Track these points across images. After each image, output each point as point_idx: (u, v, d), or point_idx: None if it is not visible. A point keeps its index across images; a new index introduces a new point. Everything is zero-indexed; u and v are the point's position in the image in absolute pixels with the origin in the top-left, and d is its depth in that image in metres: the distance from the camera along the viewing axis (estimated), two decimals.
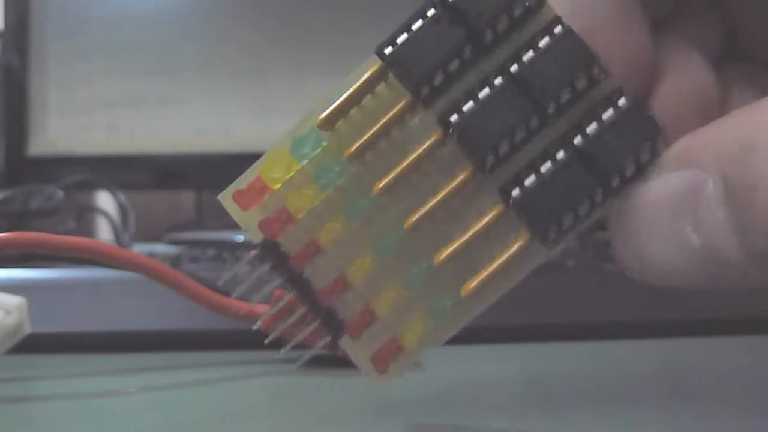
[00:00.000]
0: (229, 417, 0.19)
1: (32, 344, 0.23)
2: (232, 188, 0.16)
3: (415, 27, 0.15)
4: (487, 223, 0.15)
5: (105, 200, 0.62)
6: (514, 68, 0.15)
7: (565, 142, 0.15)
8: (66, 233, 0.26)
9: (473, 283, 0.15)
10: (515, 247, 0.15)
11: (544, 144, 0.15)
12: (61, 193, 0.51)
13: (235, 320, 0.24)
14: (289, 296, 0.17)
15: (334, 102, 0.16)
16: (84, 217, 0.55)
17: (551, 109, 0.15)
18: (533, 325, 0.28)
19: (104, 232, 0.65)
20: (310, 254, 0.16)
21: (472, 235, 0.15)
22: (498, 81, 0.15)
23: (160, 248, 0.51)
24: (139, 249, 0.47)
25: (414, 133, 0.16)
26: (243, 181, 0.16)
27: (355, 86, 0.16)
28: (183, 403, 0.21)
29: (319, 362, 0.25)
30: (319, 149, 0.16)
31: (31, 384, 0.23)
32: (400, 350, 0.16)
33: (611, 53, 0.15)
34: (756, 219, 0.12)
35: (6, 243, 0.22)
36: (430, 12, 0.15)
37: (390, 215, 0.16)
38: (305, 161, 0.16)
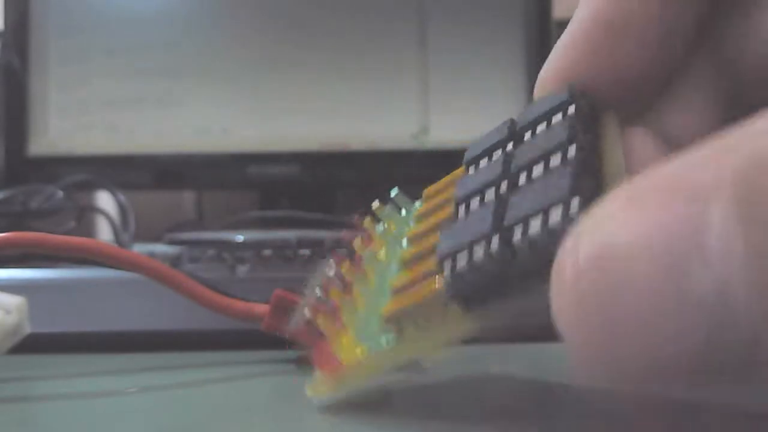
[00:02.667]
0: (230, 417, 0.19)
1: (32, 344, 0.23)
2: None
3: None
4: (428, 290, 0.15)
5: (105, 200, 0.62)
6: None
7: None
8: (66, 233, 0.26)
9: (392, 305, 0.16)
10: (429, 283, 0.15)
11: None
12: (61, 193, 0.51)
13: (235, 320, 0.24)
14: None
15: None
16: (84, 217, 0.55)
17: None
18: (534, 325, 0.28)
19: (104, 232, 0.65)
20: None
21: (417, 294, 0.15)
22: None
23: (160, 248, 0.51)
24: (139, 249, 0.47)
25: None
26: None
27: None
28: (183, 403, 0.21)
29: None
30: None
31: (31, 384, 0.23)
32: (339, 368, 0.17)
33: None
34: None
35: (6, 243, 0.22)
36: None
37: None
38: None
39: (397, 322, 0.16)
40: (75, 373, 0.24)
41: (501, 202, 0.14)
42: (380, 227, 0.19)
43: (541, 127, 0.15)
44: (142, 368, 0.25)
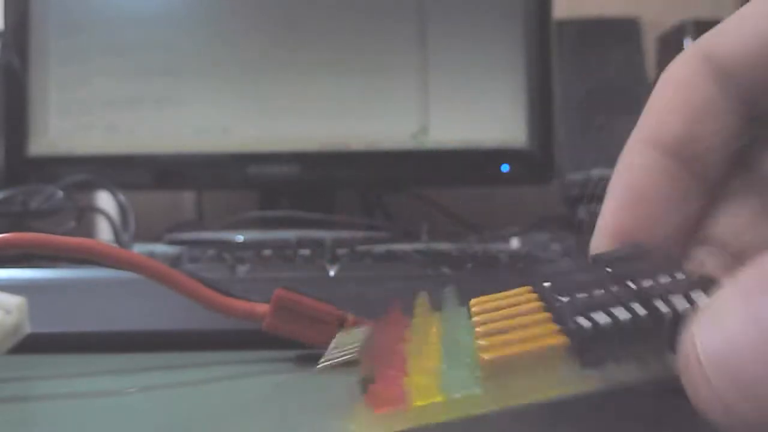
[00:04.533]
0: (229, 416, 0.19)
1: (32, 344, 0.23)
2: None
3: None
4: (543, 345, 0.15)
5: (105, 200, 0.62)
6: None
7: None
8: (66, 233, 0.26)
9: (495, 353, 0.15)
10: (552, 338, 0.15)
11: None
12: (61, 193, 0.51)
13: (236, 319, 0.24)
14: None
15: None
16: (84, 217, 0.55)
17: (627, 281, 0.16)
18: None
19: (104, 232, 0.65)
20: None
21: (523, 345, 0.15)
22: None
23: (160, 248, 0.51)
24: (139, 249, 0.47)
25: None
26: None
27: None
28: (183, 402, 0.21)
29: (319, 360, 0.25)
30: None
31: (31, 384, 0.23)
32: (399, 397, 0.15)
33: None
34: None
35: (6, 243, 0.22)
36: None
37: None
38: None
39: (497, 369, 0.15)
40: (75, 373, 0.24)
41: (626, 284, 0.15)
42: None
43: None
44: (142, 368, 0.25)
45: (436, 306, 0.20)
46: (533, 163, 0.63)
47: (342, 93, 0.64)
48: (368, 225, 0.64)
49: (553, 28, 0.64)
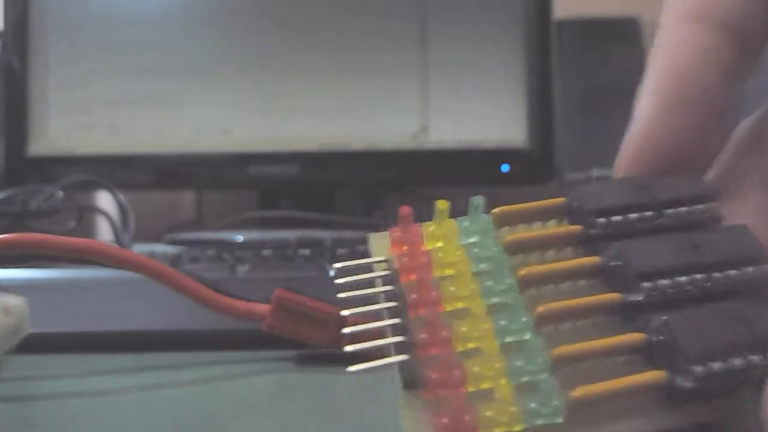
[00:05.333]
0: (229, 416, 0.19)
1: (32, 344, 0.23)
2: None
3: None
4: (622, 342, 0.14)
5: (105, 200, 0.62)
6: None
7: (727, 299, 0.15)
8: (66, 233, 0.26)
9: (588, 388, 0.14)
10: (646, 376, 0.14)
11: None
12: (61, 193, 0.51)
13: (236, 319, 0.24)
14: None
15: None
16: (84, 217, 0.55)
17: (715, 273, 0.15)
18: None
19: (104, 232, 0.65)
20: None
21: (602, 345, 0.14)
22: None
23: (160, 248, 0.51)
24: (139, 249, 0.47)
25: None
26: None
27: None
28: (183, 402, 0.21)
29: (319, 359, 0.25)
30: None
31: (31, 384, 0.23)
32: (467, 426, 0.14)
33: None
34: None
35: (7, 243, 0.22)
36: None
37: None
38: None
39: (584, 404, 0.14)
40: (75, 373, 0.24)
41: (739, 311, 0.14)
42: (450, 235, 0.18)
43: (682, 209, 0.16)
44: (142, 368, 0.25)
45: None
46: (533, 163, 0.63)
47: (342, 93, 0.64)
48: (368, 225, 0.64)
49: (553, 28, 0.64)
